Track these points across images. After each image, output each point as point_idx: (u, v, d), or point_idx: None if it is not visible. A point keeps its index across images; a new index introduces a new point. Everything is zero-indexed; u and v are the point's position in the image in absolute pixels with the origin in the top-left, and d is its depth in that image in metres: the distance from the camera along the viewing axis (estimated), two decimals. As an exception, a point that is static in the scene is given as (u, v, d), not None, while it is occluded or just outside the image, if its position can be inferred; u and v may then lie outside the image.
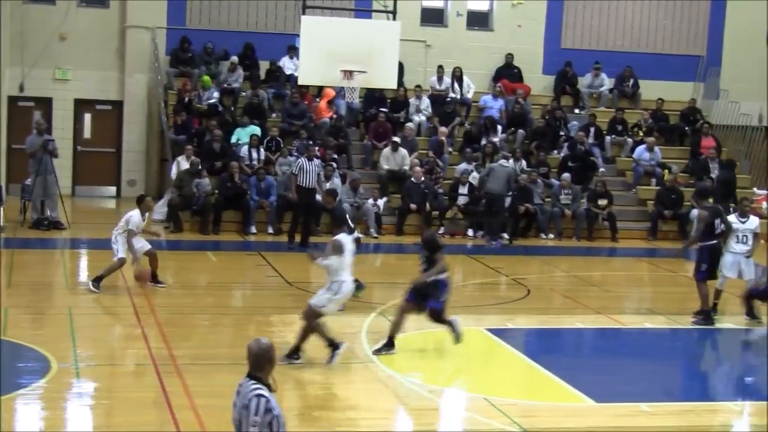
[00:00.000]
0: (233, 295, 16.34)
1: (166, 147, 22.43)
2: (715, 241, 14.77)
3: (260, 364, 6.37)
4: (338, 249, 11.93)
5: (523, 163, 22.49)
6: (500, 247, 20.19)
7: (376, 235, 20.77)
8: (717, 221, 14.80)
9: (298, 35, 17.58)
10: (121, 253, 14.87)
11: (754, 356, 14.08)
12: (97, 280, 14.81)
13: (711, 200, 15.66)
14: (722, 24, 26.06)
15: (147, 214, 15.37)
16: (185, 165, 20.79)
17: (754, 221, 15.17)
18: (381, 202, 21.36)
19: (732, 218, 15.13)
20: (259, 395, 6.24)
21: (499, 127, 23.48)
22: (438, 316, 12.58)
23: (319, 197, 18.32)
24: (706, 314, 14.79)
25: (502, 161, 21.23)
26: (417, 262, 12.83)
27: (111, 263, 14.98)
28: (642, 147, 23.72)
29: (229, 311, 14.92)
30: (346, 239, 12.18)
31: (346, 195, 20.72)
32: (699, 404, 11.72)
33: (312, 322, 11.83)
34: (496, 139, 23.07)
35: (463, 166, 22.25)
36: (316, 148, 20.45)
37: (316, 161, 19.48)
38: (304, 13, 18.16)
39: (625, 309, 16.23)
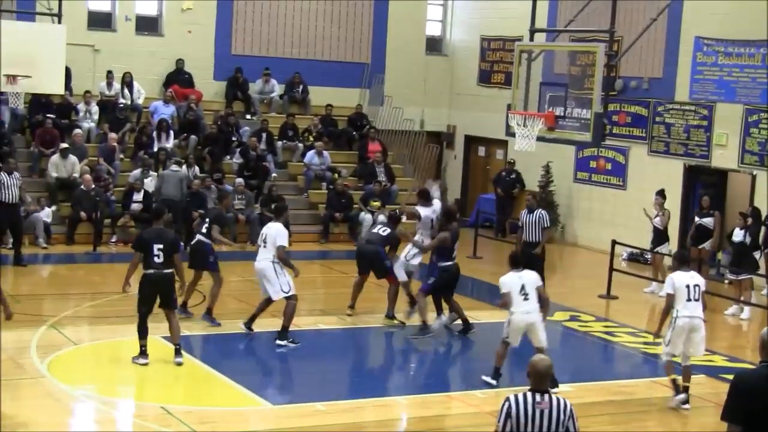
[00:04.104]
0: None
1: None
2: (450, 263, 14.93)
3: (546, 379, 7.06)
4: None
5: (197, 168, 22.44)
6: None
7: (45, 245, 20.09)
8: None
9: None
10: None
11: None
12: None
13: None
14: (385, 33, 27.09)
15: None
16: None
17: None
18: (50, 210, 20.67)
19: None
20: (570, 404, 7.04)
21: (171, 133, 23.31)
22: None
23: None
24: (426, 325, 15.22)
25: (173, 167, 21.27)
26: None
27: None
28: (312, 152, 24.27)
29: None
30: None
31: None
32: (370, 400, 12.19)
33: None
34: (168, 145, 22.90)
35: (136, 172, 21.92)
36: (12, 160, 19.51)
37: (17, 174, 18.67)
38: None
39: (300, 311, 16.56)
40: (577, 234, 24.31)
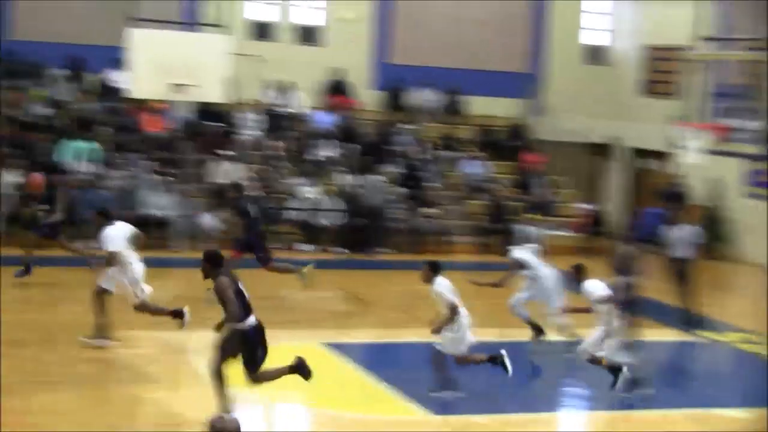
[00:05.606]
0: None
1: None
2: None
3: None
4: None
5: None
6: None
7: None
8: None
9: (124, 47, 17.30)
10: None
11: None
12: None
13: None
14: (545, 42, 26.76)
15: None
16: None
17: None
18: (211, 217, 21.05)
19: None
20: None
21: (333, 142, 23.51)
22: None
23: None
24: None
25: (377, 176, 22.09)
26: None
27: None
28: (471, 162, 24.11)
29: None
30: None
31: (183, 208, 20.57)
32: (539, 415, 11.89)
33: None
34: (330, 154, 23.11)
35: (297, 180, 22.20)
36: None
37: None
38: (132, 26, 17.77)
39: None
40: (748, 251, 23.37)
